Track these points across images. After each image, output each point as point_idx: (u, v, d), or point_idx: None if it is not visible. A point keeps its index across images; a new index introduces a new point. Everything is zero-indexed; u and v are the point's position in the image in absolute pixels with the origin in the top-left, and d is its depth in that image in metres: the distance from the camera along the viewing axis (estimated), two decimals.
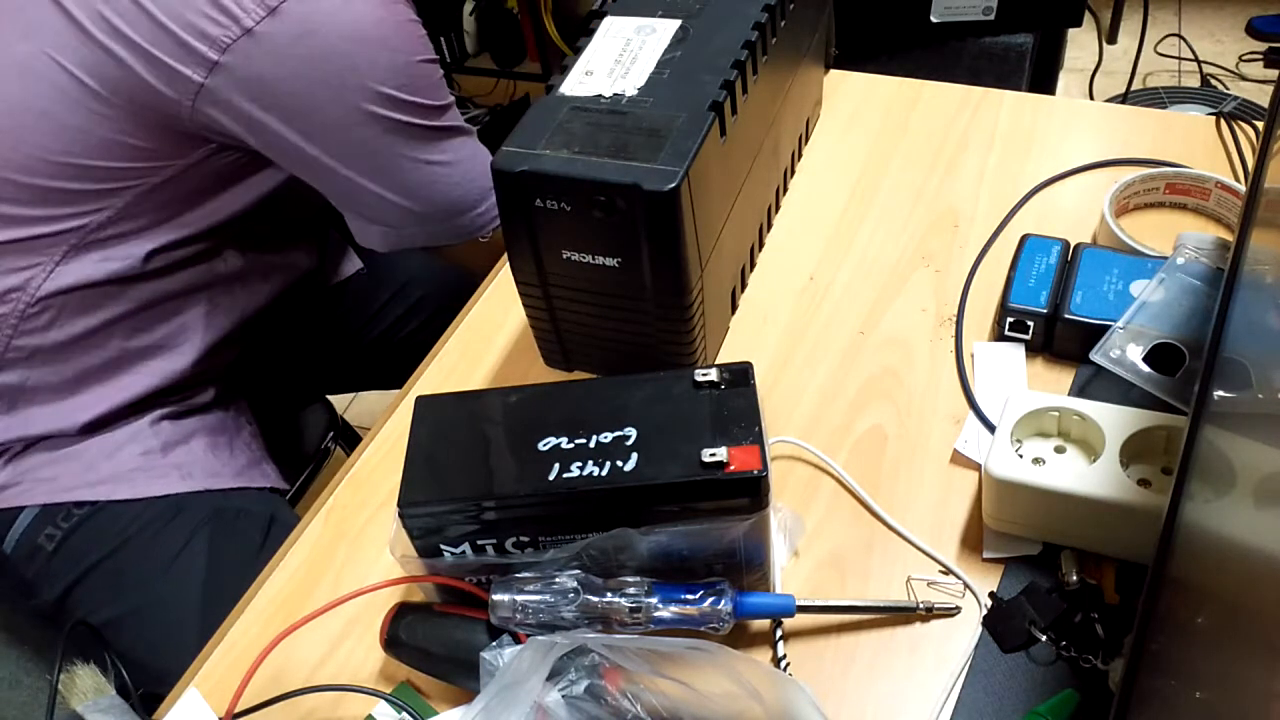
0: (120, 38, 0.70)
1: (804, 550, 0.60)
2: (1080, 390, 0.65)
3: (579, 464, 0.51)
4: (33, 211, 0.75)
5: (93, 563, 0.81)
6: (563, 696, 0.47)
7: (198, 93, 0.71)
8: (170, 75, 0.71)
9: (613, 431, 0.52)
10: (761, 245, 0.79)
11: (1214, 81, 2.16)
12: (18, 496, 0.82)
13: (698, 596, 0.52)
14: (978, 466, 0.62)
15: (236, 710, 0.52)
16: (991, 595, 0.56)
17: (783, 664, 0.55)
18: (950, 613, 0.56)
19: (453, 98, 0.83)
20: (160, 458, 0.84)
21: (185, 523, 0.83)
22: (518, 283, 0.66)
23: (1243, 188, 0.74)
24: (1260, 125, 0.78)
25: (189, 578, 0.81)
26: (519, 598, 0.51)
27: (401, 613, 0.55)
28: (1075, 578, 0.55)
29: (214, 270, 0.85)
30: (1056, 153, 0.83)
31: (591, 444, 0.52)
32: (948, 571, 0.58)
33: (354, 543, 0.65)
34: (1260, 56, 2.19)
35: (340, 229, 1.00)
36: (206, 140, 0.76)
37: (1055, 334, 0.66)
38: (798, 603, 0.54)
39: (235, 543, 0.84)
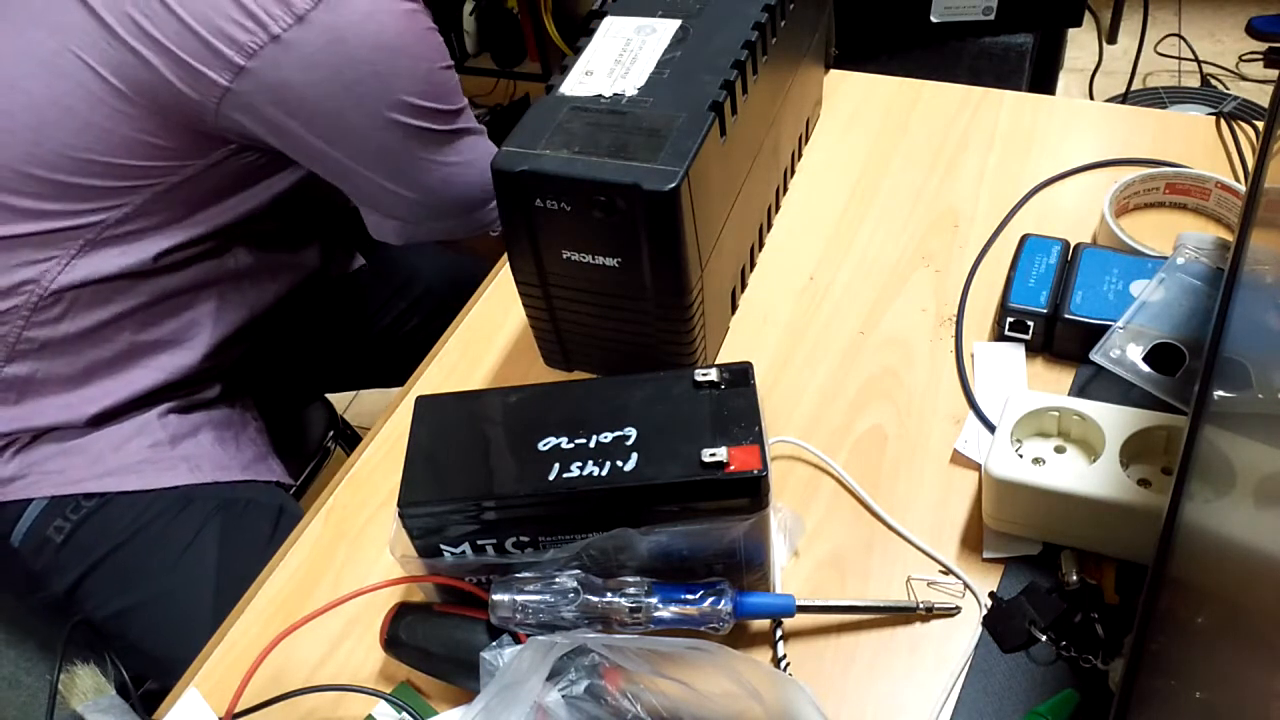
0: (147, 39, 0.70)
1: (804, 550, 0.60)
2: (1080, 390, 0.65)
3: (579, 464, 0.51)
4: (52, 206, 0.75)
5: (102, 555, 0.82)
6: (563, 696, 0.47)
7: (223, 97, 0.72)
8: (196, 78, 0.71)
9: (613, 431, 0.52)
10: (761, 245, 0.79)
11: (1214, 81, 2.16)
12: (25, 489, 0.82)
13: (698, 596, 0.52)
14: (978, 466, 0.62)
15: (236, 710, 0.52)
16: (991, 595, 0.56)
17: (783, 664, 0.55)
18: (950, 613, 0.56)
19: (466, 100, 0.85)
20: (169, 450, 0.85)
21: (195, 514, 0.83)
22: (518, 283, 0.66)
23: (1243, 188, 0.74)
24: (1260, 125, 0.78)
25: (200, 568, 0.82)
26: (519, 598, 0.51)
27: (401, 613, 0.55)
28: (1075, 578, 0.55)
29: (224, 267, 0.86)
30: (1056, 153, 0.83)
31: (591, 444, 0.52)
32: (948, 571, 0.58)
33: (354, 543, 0.65)
34: (1260, 56, 2.19)
35: (347, 226, 1.00)
36: (227, 141, 0.77)
37: (1055, 334, 0.66)
38: (798, 603, 0.54)
39: (245, 533, 0.84)
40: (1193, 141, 0.81)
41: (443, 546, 0.53)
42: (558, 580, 0.52)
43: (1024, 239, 0.71)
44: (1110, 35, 2.26)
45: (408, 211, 0.85)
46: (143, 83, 0.72)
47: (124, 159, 0.74)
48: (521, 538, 0.52)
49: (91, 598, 0.82)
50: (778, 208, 0.81)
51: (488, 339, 0.77)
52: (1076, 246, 0.70)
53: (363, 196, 0.85)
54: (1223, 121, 0.82)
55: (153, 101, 0.72)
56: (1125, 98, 2.03)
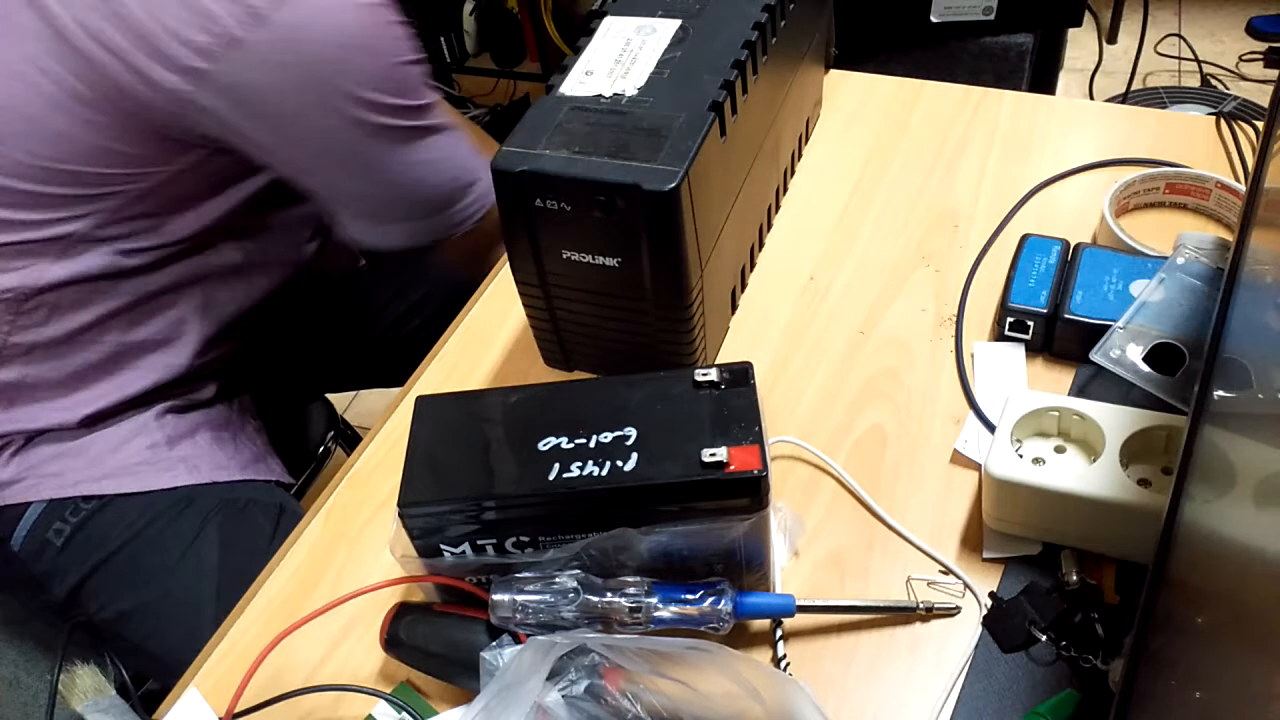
0: (104, 47, 0.69)
1: (804, 550, 0.60)
2: (1080, 390, 0.65)
3: (579, 464, 0.51)
4: (23, 216, 0.75)
5: (102, 557, 0.82)
6: (563, 696, 0.47)
7: (183, 101, 0.71)
8: (155, 84, 0.71)
9: (613, 431, 0.52)
10: (761, 245, 0.79)
11: (1214, 81, 2.16)
12: (24, 492, 0.82)
13: (698, 596, 0.52)
14: (978, 466, 0.62)
15: (236, 710, 0.52)
16: (991, 595, 0.56)
17: (783, 664, 0.55)
18: (950, 613, 0.56)
19: (436, 95, 0.84)
20: (166, 451, 0.85)
21: (195, 514, 0.83)
22: (518, 283, 0.66)
23: (1243, 188, 0.74)
24: (1260, 125, 0.78)
25: (202, 568, 0.82)
26: (519, 598, 0.51)
27: (401, 613, 0.55)
28: (1075, 578, 0.55)
29: (210, 264, 0.86)
30: (1056, 153, 0.83)
31: (591, 444, 0.52)
32: (948, 571, 0.58)
33: (354, 543, 0.65)
34: (1260, 56, 2.19)
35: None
36: (194, 146, 0.76)
37: (1055, 334, 0.66)
38: (798, 603, 0.54)
39: (247, 532, 0.84)
40: (1193, 141, 0.81)
41: (443, 546, 0.53)
42: (558, 580, 0.52)
43: (1024, 239, 0.71)
44: (1110, 35, 2.26)
45: (373, 210, 0.84)
46: (104, 90, 0.71)
47: (92, 166, 0.73)
48: (521, 538, 0.52)
49: (93, 600, 0.82)
50: (778, 208, 0.81)
51: (488, 339, 0.77)
52: (1076, 246, 0.70)
53: (327, 195, 0.83)
54: (1223, 121, 0.82)
55: (116, 108, 0.72)
56: (1125, 98, 2.03)
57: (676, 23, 0.67)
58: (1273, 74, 2.13)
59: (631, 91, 0.62)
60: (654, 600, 0.51)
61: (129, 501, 0.83)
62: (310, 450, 1.13)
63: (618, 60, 0.65)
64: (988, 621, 0.55)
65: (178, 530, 0.83)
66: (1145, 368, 0.61)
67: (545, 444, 0.52)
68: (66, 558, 0.82)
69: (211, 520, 0.83)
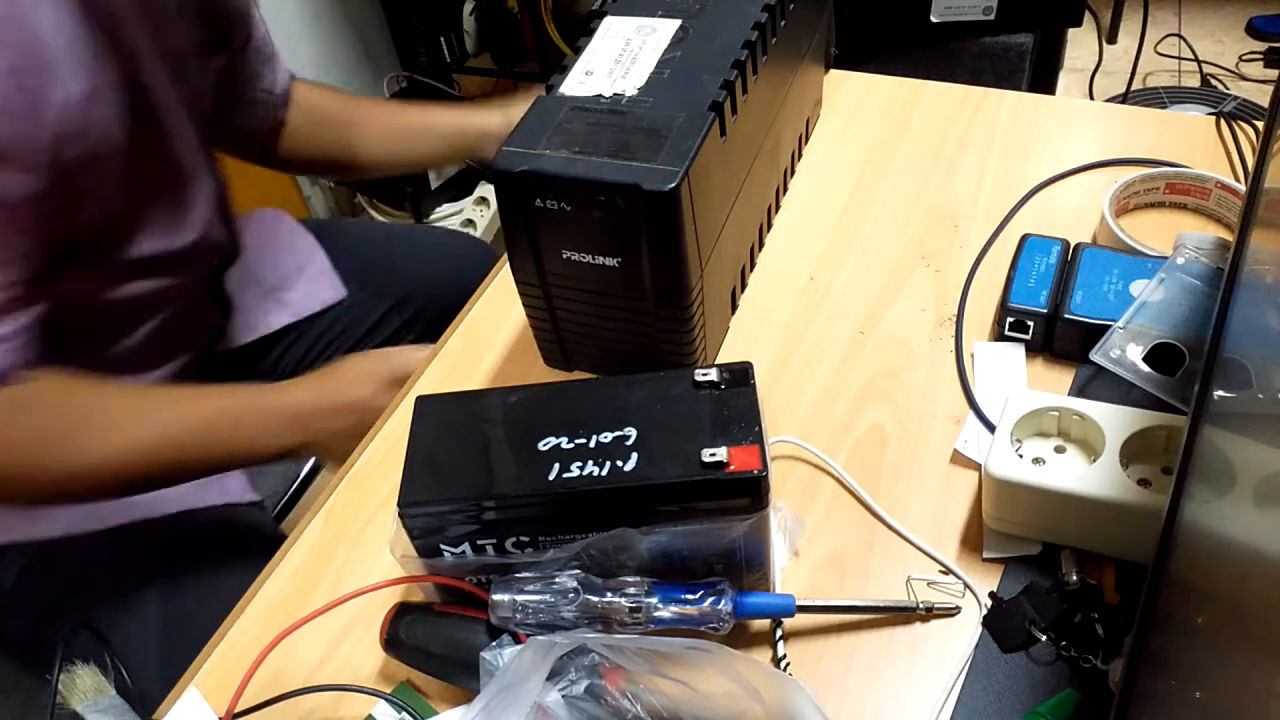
0: None
1: (804, 550, 0.60)
2: (1080, 390, 0.65)
3: (579, 464, 0.51)
4: None
5: (47, 600, 0.79)
6: (563, 696, 0.47)
7: None
8: None
9: (613, 431, 0.52)
10: (761, 245, 0.79)
11: (1214, 81, 2.16)
12: None
13: (698, 596, 0.52)
14: (978, 466, 0.62)
15: (236, 710, 0.52)
16: (991, 595, 0.56)
17: (783, 664, 0.55)
18: (950, 613, 0.56)
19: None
20: None
21: (134, 554, 0.80)
22: (518, 283, 0.66)
23: (1243, 188, 0.74)
24: (1260, 125, 0.78)
25: (145, 611, 0.79)
26: (519, 598, 0.51)
27: (401, 613, 0.55)
28: (1075, 578, 0.55)
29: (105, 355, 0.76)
30: (1056, 153, 0.83)
31: (591, 444, 0.52)
32: (948, 571, 0.58)
33: (354, 543, 0.65)
34: (1260, 56, 2.19)
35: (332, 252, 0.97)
36: None
37: (1055, 334, 0.66)
38: (798, 603, 0.54)
39: (191, 562, 0.81)
40: (1193, 141, 0.81)
41: (443, 546, 0.53)
42: (558, 580, 0.52)
43: (1024, 239, 0.71)
44: (1110, 35, 2.26)
45: None
46: None
47: None
48: (521, 538, 0.52)
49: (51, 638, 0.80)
50: (778, 208, 0.81)
51: (488, 339, 0.77)
52: (1076, 246, 0.70)
53: None
54: (1223, 121, 0.82)
55: None
56: (1125, 98, 2.04)
57: (676, 23, 0.67)
58: (1273, 74, 2.13)
59: (631, 91, 0.62)
60: (654, 600, 0.51)
61: (64, 544, 0.79)
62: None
63: (618, 60, 0.65)
64: (988, 621, 0.55)
65: (116, 573, 0.80)
66: (1145, 368, 0.61)
67: (545, 444, 0.52)
68: (17, 599, 0.80)
69: (150, 560, 0.80)
